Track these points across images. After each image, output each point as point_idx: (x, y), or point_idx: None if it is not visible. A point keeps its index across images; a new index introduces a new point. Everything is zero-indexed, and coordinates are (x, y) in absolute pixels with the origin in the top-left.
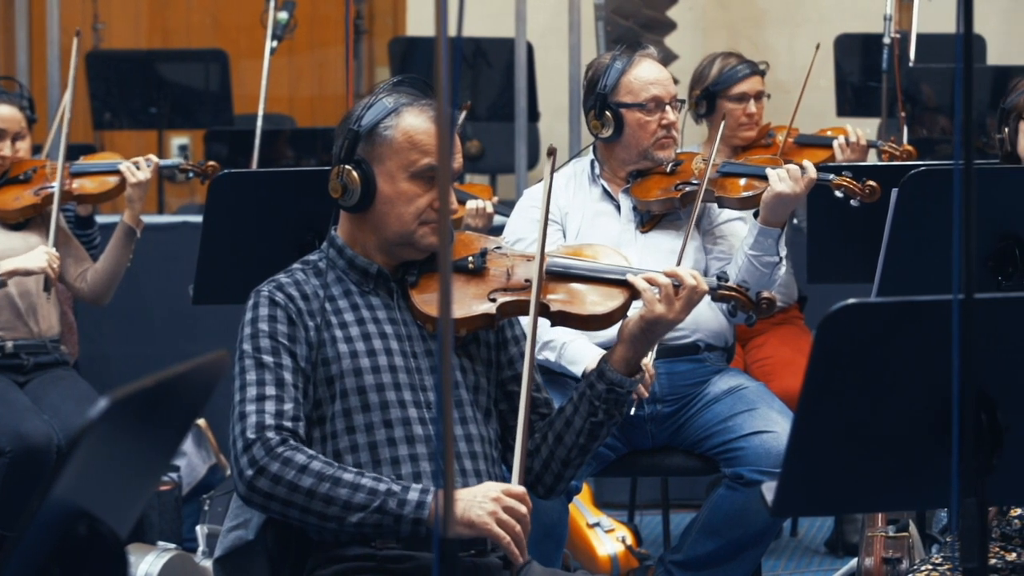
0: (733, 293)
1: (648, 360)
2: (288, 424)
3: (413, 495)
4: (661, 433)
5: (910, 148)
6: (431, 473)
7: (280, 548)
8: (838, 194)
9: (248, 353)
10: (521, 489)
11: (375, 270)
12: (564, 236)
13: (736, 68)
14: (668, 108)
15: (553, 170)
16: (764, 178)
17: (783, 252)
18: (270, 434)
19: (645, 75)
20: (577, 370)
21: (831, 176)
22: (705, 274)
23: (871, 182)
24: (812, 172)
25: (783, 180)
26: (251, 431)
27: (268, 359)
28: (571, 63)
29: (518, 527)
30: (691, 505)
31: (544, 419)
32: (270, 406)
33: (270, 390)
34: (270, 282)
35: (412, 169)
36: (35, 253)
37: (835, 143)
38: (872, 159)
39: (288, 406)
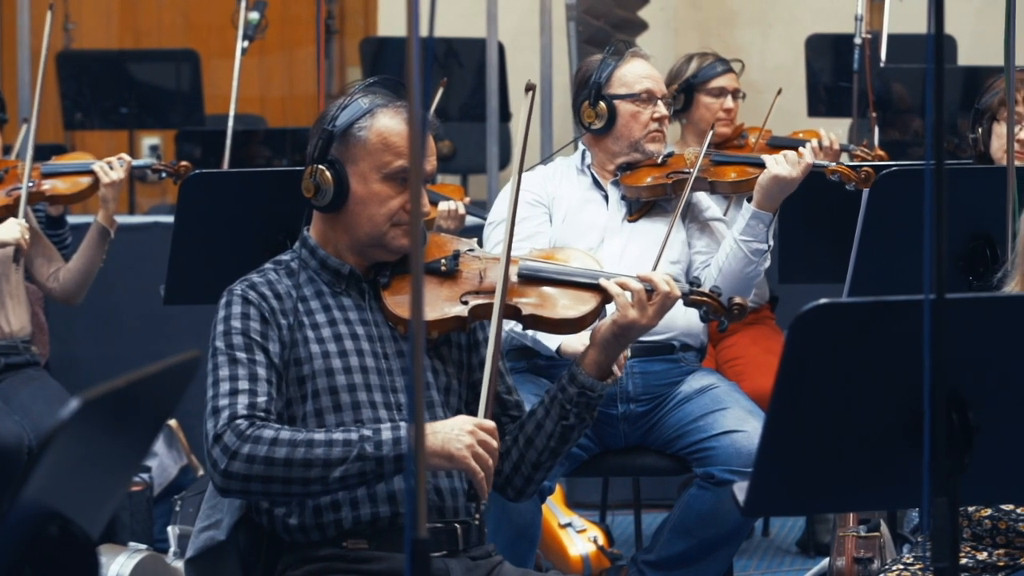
0: (705, 298)
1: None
2: (260, 413)
3: (387, 434)
4: (633, 433)
5: (881, 153)
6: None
7: (252, 549)
8: (833, 178)
9: (221, 350)
10: (491, 424)
11: (347, 271)
12: (551, 221)
13: (714, 64)
14: (660, 103)
15: (531, 109)
16: (759, 165)
17: (771, 241)
18: (240, 421)
19: (639, 70)
20: (552, 345)
21: (827, 162)
22: (688, 269)
23: (867, 168)
24: (809, 157)
25: (780, 164)
26: (222, 423)
27: (242, 355)
28: (543, 64)
29: (490, 462)
30: (663, 505)
31: (515, 421)
32: (243, 399)
33: (243, 384)
34: (242, 281)
35: (385, 171)
36: (7, 225)
37: (807, 146)
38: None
39: (261, 399)
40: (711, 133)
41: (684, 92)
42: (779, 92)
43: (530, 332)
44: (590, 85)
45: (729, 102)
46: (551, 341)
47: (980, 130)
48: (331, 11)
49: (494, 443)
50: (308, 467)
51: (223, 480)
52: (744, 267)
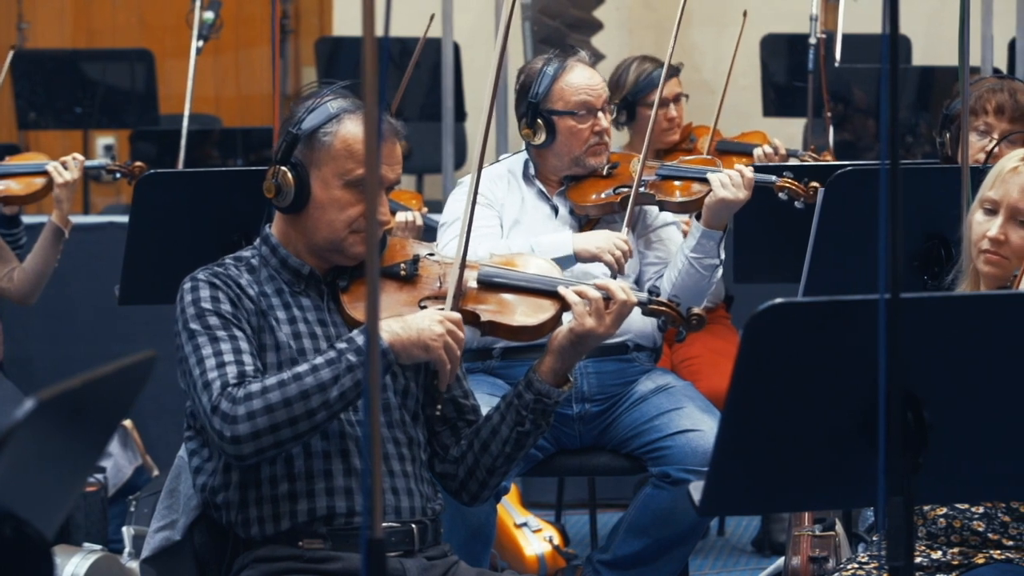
0: (664, 308)
1: (622, 236)
2: (250, 380)
3: (360, 337)
4: (589, 433)
5: (829, 157)
6: (360, 470)
7: (207, 549)
8: (781, 196)
9: (199, 331)
10: (458, 316)
11: (307, 271)
12: (501, 225)
13: (652, 74)
14: (600, 114)
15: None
16: (704, 180)
17: (723, 255)
18: (231, 389)
19: (577, 81)
20: (567, 251)
21: (774, 178)
22: (639, 279)
23: (814, 183)
24: (750, 174)
25: (726, 186)
26: (216, 393)
27: (221, 333)
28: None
29: (458, 352)
30: (618, 504)
31: (471, 426)
32: (231, 368)
33: (229, 357)
34: (204, 269)
35: (347, 177)
36: None
37: (755, 153)
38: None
39: (249, 367)
40: (645, 148)
41: (625, 107)
42: (723, 95)
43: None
44: (527, 101)
45: (672, 111)
46: (562, 247)
47: (948, 135)
48: (286, 11)
49: (461, 334)
50: (306, 398)
51: (234, 446)
52: (697, 282)
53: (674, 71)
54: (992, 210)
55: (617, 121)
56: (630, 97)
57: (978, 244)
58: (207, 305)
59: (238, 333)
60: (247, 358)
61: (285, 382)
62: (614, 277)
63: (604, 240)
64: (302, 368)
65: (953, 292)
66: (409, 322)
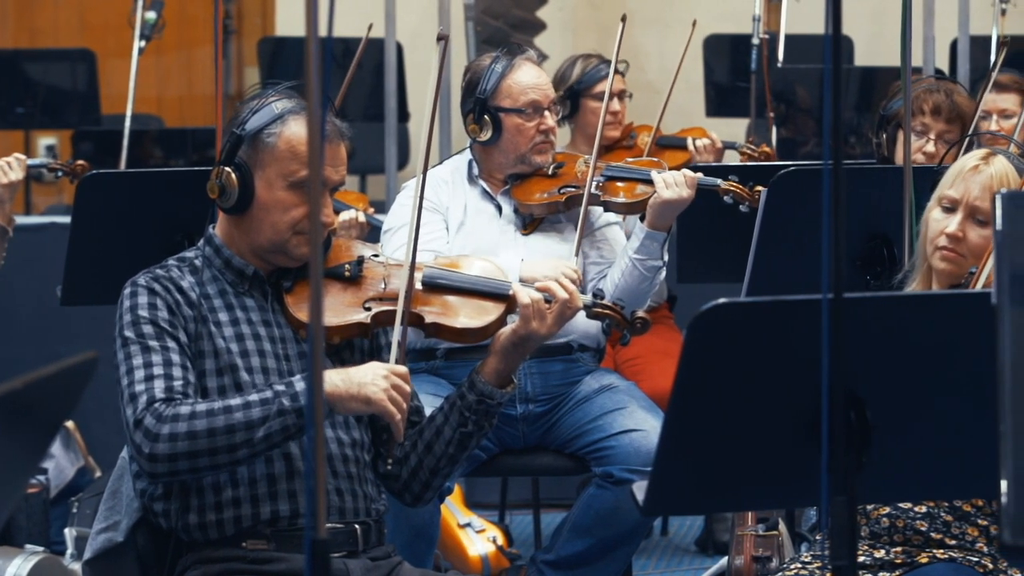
0: (608, 311)
1: (570, 267)
2: (178, 397)
3: (301, 384)
4: (532, 433)
5: (768, 150)
6: (303, 472)
7: (150, 550)
8: (727, 199)
9: (132, 339)
10: (404, 369)
11: (251, 272)
12: (447, 229)
13: (598, 67)
14: (547, 113)
15: (443, 60)
16: (649, 182)
17: (666, 257)
18: (158, 404)
19: (525, 79)
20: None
21: (719, 181)
22: (582, 280)
23: (759, 187)
24: (693, 175)
25: (670, 186)
26: (141, 408)
27: (154, 343)
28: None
29: (405, 404)
30: (562, 505)
31: (414, 427)
32: (159, 383)
33: (158, 369)
34: (146, 273)
35: (291, 179)
36: None
37: (689, 145)
38: (734, 159)
39: (178, 382)
40: (595, 149)
41: (569, 99)
42: (669, 94)
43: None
44: (475, 97)
45: (615, 105)
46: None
47: (884, 136)
48: (229, 11)
49: (407, 388)
50: (231, 433)
51: (150, 464)
52: (639, 283)
53: (619, 69)
54: (951, 208)
55: (560, 113)
56: (576, 87)
57: (935, 241)
58: (143, 313)
59: (171, 344)
60: (177, 371)
61: (214, 412)
62: None
63: (551, 269)
64: (235, 401)
65: (895, 292)
66: (351, 375)
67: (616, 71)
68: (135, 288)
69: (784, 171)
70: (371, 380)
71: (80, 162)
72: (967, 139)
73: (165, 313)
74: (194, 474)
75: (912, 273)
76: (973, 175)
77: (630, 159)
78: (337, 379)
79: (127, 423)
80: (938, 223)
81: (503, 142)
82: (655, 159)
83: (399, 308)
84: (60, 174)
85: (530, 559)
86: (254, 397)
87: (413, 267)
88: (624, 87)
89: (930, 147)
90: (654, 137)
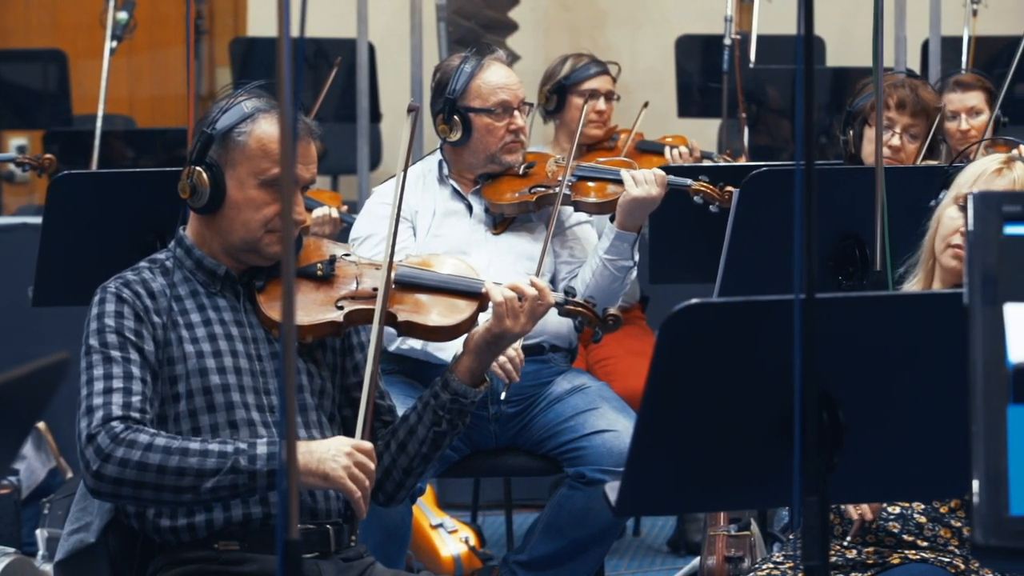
0: (580, 309)
1: (517, 345)
2: (136, 415)
3: (263, 448)
4: (504, 434)
5: (744, 161)
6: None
7: (122, 551)
8: (697, 200)
9: (95, 348)
10: (369, 445)
11: (223, 271)
12: (415, 235)
13: (587, 65)
14: (517, 113)
15: (413, 129)
16: (619, 182)
17: (636, 257)
18: (115, 423)
19: (494, 79)
20: (446, 356)
21: (689, 181)
22: (554, 278)
23: (729, 188)
24: (663, 175)
25: (639, 184)
26: (96, 423)
27: (116, 353)
28: (413, 64)
29: (367, 482)
30: (534, 505)
31: (387, 427)
32: (117, 398)
33: (117, 383)
34: (116, 279)
35: (262, 177)
36: None
37: (667, 152)
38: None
39: (136, 398)
40: (572, 151)
41: (556, 93)
42: (645, 105)
43: (420, 346)
44: (444, 98)
45: (601, 104)
46: (446, 353)
47: (851, 133)
48: (200, 11)
49: (371, 464)
50: (181, 475)
51: (94, 482)
52: (610, 283)
53: (607, 69)
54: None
55: (546, 110)
56: (563, 81)
57: (948, 239)
58: (109, 321)
59: (134, 355)
60: (136, 385)
61: (171, 450)
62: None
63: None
64: (194, 445)
65: (867, 292)
66: (313, 448)
67: (606, 71)
68: (104, 295)
69: (756, 171)
70: (332, 456)
71: (48, 155)
72: (932, 137)
73: (132, 322)
74: (135, 503)
75: (915, 268)
76: (995, 178)
77: (602, 159)
78: (299, 451)
79: (79, 434)
80: (953, 221)
81: (473, 142)
82: (627, 159)
83: (367, 380)
84: (27, 168)
85: (502, 560)
86: (213, 447)
87: (388, 284)
88: (612, 88)
89: (895, 140)
90: (633, 140)
